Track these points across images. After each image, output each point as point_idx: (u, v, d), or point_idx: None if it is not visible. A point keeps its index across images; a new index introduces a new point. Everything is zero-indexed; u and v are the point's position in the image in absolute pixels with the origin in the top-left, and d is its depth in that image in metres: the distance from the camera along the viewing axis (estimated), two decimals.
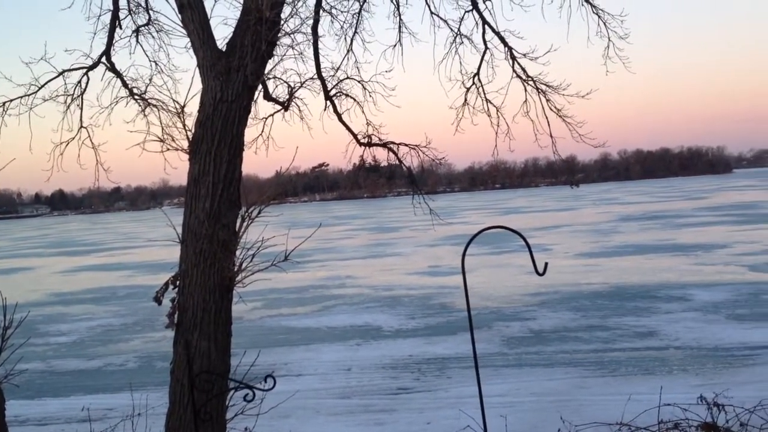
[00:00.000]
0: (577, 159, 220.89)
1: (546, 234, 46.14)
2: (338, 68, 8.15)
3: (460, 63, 8.30)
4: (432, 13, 8.27)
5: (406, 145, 8.22)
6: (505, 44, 8.03)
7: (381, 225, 70.14)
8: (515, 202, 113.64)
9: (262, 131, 7.05)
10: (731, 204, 67.30)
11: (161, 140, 5.93)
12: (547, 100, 7.95)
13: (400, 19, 8.37)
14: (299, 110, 7.17)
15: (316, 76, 7.66)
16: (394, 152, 8.25)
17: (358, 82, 8.34)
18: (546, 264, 5.36)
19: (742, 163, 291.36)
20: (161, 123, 7.07)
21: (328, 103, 7.92)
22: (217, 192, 5.30)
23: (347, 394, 12.47)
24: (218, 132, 5.40)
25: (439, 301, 22.06)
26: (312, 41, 7.86)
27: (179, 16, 6.03)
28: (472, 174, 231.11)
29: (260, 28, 5.61)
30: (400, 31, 8.37)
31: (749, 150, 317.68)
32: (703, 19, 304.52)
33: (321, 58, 7.84)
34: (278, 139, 7.18)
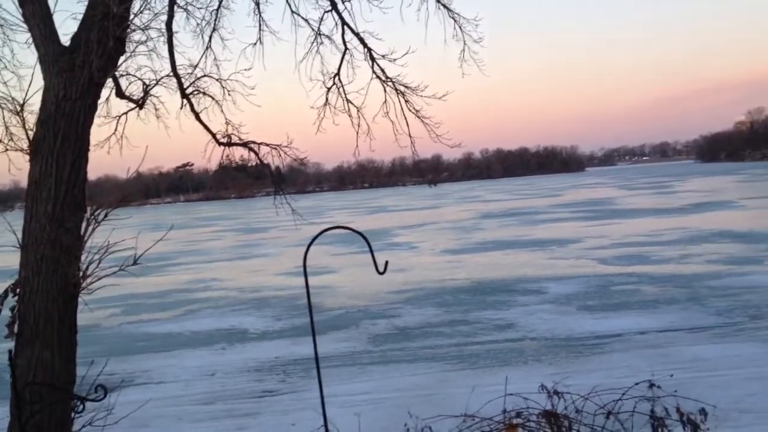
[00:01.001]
0: (443, 158, 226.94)
1: (412, 232, 47.08)
2: (196, 66, 7.92)
3: (322, 63, 8.27)
4: (293, 11, 8.20)
5: (267, 144, 8.10)
6: (365, 45, 8.08)
7: (248, 226, 69.17)
8: (382, 201, 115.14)
9: (116, 130, 6.77)
10: (583, 201, 71.15)
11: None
12: (406, 101, 8.06)
13: (261, 17, 8.25)
14: (155, 108, 6.93)
15: (171, 74, 7.44)
16: (255, 152, 8.13)
17: (216, 80, 8.17)
18: (386, 262, 5.43)
19: (593, 162, 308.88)
20: (4, 122, 6.66)
21: (185, 101, 7.71)
22: (60, 194, 5.04)
23: (210, 400, 12.21)
24: (61, 131, 5.13)
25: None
26: (166, 38, 7.62)
27: (20, 10, 5.69)
28: (341, 173, 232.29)
29: (107, 23, 5.38)
30: (260, 29, 8.24)
31: (600, 149, 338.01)
32: (554, 23, 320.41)
33: (177, 56, 7.60)
34: (134, 139, 6.91)
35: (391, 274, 26.02)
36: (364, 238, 5.79)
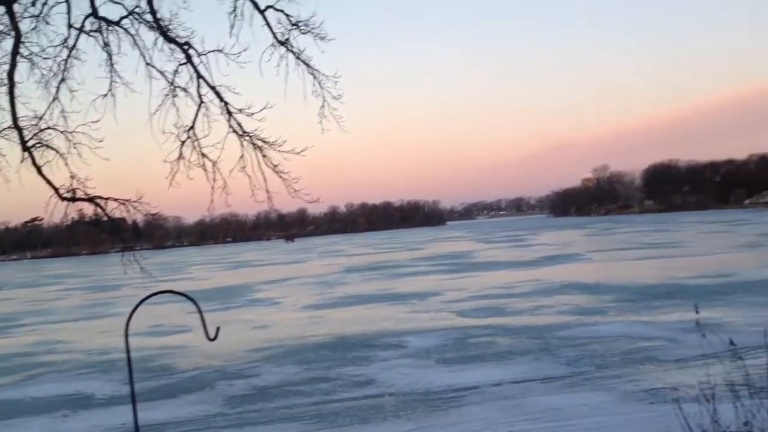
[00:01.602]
0: (308, 212, 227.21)
1: (275, 287, 46.44)
2: (41, 117, 7.56)
3: (177, 115, 8.05)
4: (147, 63, 7.96)
5: (115, 199, 7.78)
6: (221, 99, 7.94)
7: (99, 284, 65.83)
8: (245, 255, 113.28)
9: None
10: (444, 254, 72.99)
11: None
12: (264, 156, 7.96)
13: (113, 67, 7.96)
14: None
15: (12, 126, 7.04)
16: (101, 207, 7.77)
17: (61, 132, 7.78)
18: (218, 329, 5.24)
19: (454, 216, 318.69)
20: None
21: (26, 154, 7.29)
22: None
23: None
24: None
25: (159, 363, 21.05)
26: (8, 88, 7.21)
27: None
28: (202, 227, 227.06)
29: None
30: (112, 81, 7.95)
31: (460, 204, 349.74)
32: (411, 84, 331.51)
33: (20, 106, 7.22)
34: None
35: (251, 332, 25.64)
36: (194, 302, 5.58)
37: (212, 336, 5.20)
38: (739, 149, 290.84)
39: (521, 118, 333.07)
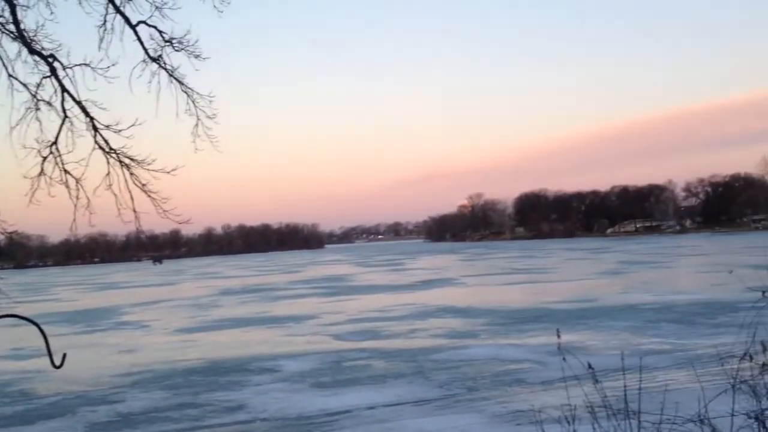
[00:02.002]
0: (182, 233, 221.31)
1: (144, 309, 44.83)
2: None
3: (40, 130, 7.64)
4: (9, 75, 7.53)
5: None
6: (86, 114, 7.60)
7: None
8: (114, 276, 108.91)
9: None
10: (322, 277, 72.84)
11: None
12: (132, 174, 7.67)
13: None
14: None
15: None
16: None
17: None
18: (64, 355, 4.95)
19: (332, 239, 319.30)
20: None
21: None
22: None
23: None
24: None
25: (18, 388, 19.81)
26: None
27: None
28: (68, 247, 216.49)
29: None
30: None
31: (339, 227, 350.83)
32: (289, 108, 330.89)
33: None
34: None
35: (117, 356, 24.61)
36: (38, 326, 5.25)
37: (58, 363, 4.88)
38: (602, 181, 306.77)
39: (400, 144, 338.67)
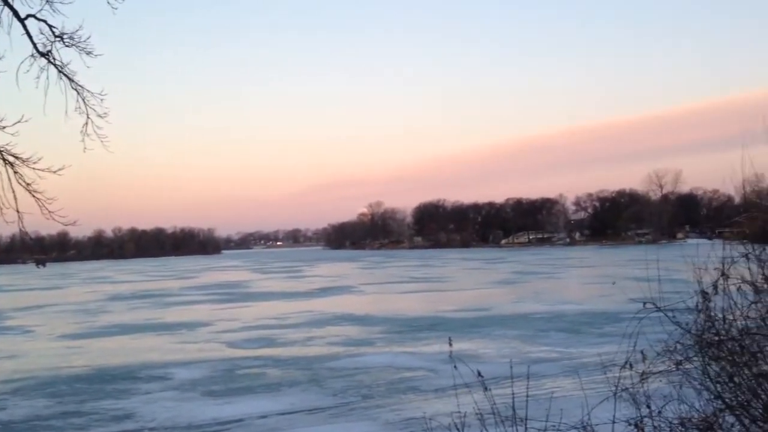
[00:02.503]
0: (70, 235, 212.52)
1: (28, 314, 42.81)
2: None
3: None
4: None
5: None
6: None
7: None
8: None
9: None
10: (218, 283, 71.53)
11: None
12: (15, 173, 7.31)
13: None
14: None
15: None
16: None
17: None
18: None
19: (230, 245, 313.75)
20: None
21: None
22: None
23: None
24: None
25: None
26: None
27: None
28: None
29: None
30: None
31: (237, 233, 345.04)
32: (186, 105, 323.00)
33: None
34: None
35: None
36: None
37: None
38: (498, 193, 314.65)
39: (299, 150, 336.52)
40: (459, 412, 6.37)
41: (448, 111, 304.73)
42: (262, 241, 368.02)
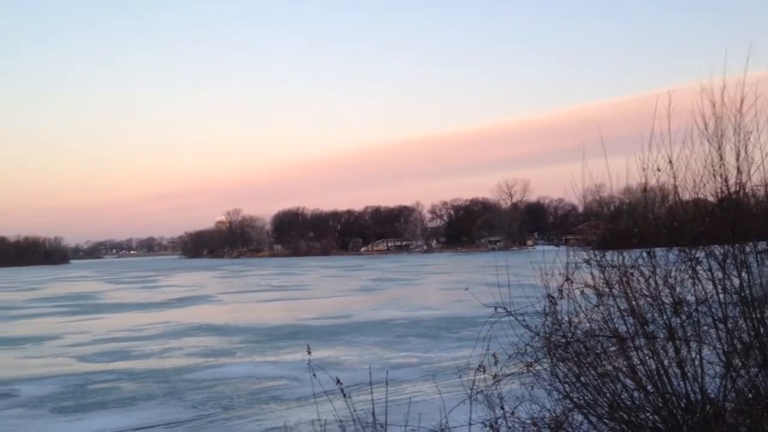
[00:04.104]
0: None
1: None
2: None
3: None
4: None
5: None
6: None
7: None
8: None
9: None
10: (66, 294, 67.91)
11: None
12: None
13: None
14: None
15: None
16: None
17: None
18: None
19: (79, 254, 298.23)
20: None
21: None
22: None
23: None
24: None
25: None
26: None
27: None
28: None
29: None
30: None
31: (86, 242, 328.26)
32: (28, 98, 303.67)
33: None
34: None
35: None
36: None
37: None
38: (357, 201, 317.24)
39: (150, 155, 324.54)
40: (320, 420, 6.48)
41: (306, 117, 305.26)
42: (114, 251, 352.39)
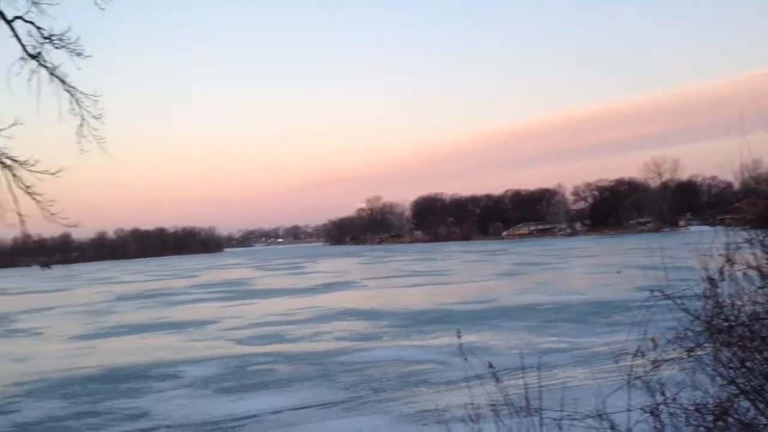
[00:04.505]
0: (73, 237, 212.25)
1: (37, 317, 43.03)
2: None
3: None
4: None
5: None
6: None
7: None
8: (1, 282, 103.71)
9: None
10: (221, 281, 71.72)
11: None
12: (14, 176, 7.40)
13: None
14: None
15: None
16: None
17: None
18: None
19: (231, 243, 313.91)
20: None
21: None
22: None
23: None
24: None
25: None
26: None
27: None
28: None
29: None
30: None
31: (238, 231, 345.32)
32: (185, 105, 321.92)
33: None
34: None
35: (8, 365, 23.67)
36: None
37: None
38: (495, 184, 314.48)
39: (298, 147, 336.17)
40: (472, 403, 6.55)
41: (440, 102, 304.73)
42: (263, 239, 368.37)
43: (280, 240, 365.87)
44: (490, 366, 5.88)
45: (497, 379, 5.85)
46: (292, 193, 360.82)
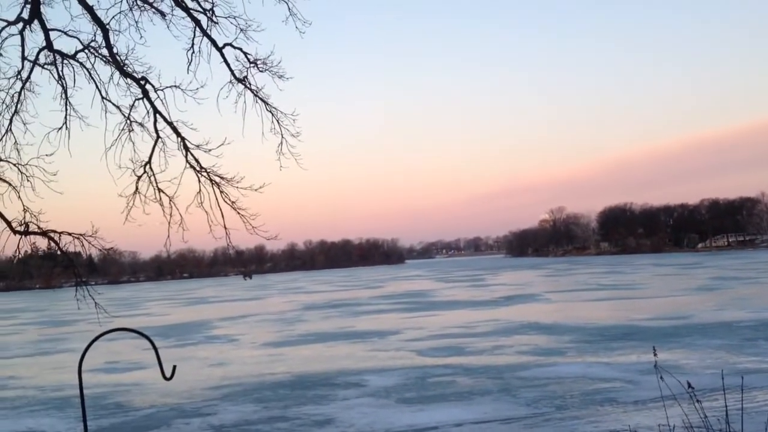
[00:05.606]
0: (266, 249, 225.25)
1: (232, 324, 45.83)
2: None
3: (133, 150, 7.93)
4: (103, 97, 7.86)
5: (69, 234, 7.65)
6: (178, 134, 7.85)
7: (53, 318, 64.24)
8: (203, 291, 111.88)
9: None
10: (403, 292, 72.92)
11: None
12: (221, 192, 7.86)
13: (68, 101, 7.83)
14: None
15: None
16: (55, 241, 7.63)
17: (14, 165, 7.66)
18: (174, 367, 5.09)
19: (412, 254, 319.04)
20: None
21: None
22: None
23: None
24: None
25: (114, 400, 20.50)
26: None
27: None
28: (158, 263, 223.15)
29: None
30: (67, 114, 7.84)
31: (419, 242, 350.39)
32: (366, 129, 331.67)
33: None
34: None
35: (208, 369, 25.20)
36: (150, 340, 5.43)
37: (168, 375, 5.05)
38: (689, 193, 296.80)
39: (479, 158, 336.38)
40: (666, 424, 6.05)
41: (623, 106, 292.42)
42: (444, 250, 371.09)
43: (460, 251, 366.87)
44: (689, 386, 5.43)
45: (696, 400, 5.40)
46: (473, 205, 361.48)
